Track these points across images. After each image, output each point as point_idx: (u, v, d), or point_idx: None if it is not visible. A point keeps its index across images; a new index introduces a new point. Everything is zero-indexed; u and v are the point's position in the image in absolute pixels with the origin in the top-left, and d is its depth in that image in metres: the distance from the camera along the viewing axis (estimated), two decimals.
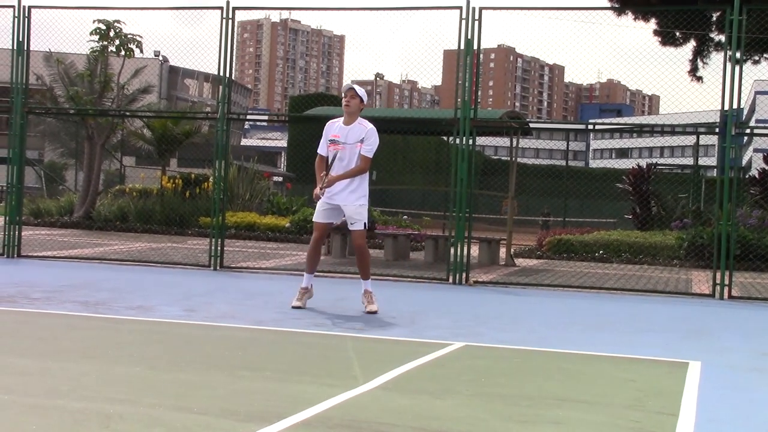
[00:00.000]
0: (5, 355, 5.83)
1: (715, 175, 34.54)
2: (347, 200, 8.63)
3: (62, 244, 16.10)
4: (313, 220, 8.90)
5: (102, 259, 13.64)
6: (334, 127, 8.65)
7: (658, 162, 32.98)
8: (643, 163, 25.56)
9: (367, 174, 8.77)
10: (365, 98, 8.70)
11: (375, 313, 8.59)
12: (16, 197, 13.68)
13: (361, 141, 8.54)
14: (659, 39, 23.07)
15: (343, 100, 8.62)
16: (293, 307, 8.66)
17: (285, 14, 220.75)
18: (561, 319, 9.34)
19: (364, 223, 8.72)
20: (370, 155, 8.62)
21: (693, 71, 23.59)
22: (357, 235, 8.79)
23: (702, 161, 31.88)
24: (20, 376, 5.15)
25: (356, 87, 8.63)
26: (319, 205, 8.77)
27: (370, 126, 8.65)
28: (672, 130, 18.32)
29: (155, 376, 5.34)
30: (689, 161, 38.41)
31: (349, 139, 8.54)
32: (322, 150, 8.73)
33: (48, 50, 21.12)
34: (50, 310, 7.93)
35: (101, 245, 16.56)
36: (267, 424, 4.20)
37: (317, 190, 8.61)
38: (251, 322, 7.78)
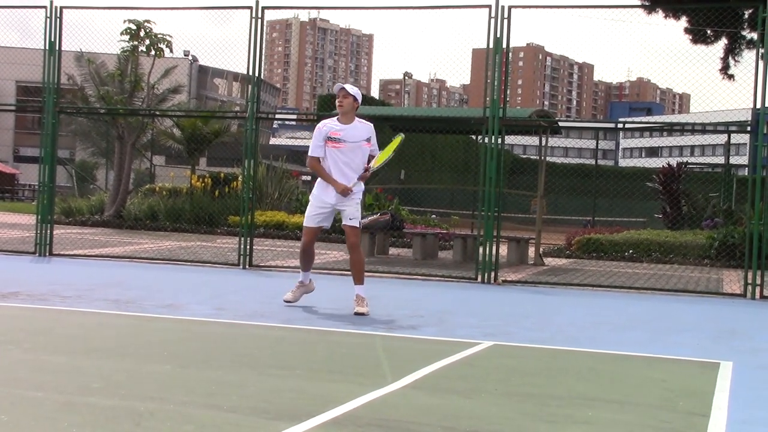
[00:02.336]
0: (38, 353, 5.89)
1: (746, 173, 34.21)
2: (345, 202, 8.52)
3: (93, 243, 16.23)
4: (305, 225, 8.69)
5: (132, 258, 13.74)
6: (332, 127, 8.49)
7: (689, 161, 32.69)
8: (674, 162, 25.37)
9: None
10: (359, 97, 8.59)
11: (365, 315, 8.30)
12: (48, 196, 13.81)
13: (368, 140, 8.51)
14: (690, 37, 22.86)
15: (336, 100, 8.58)
16: (285, 301, 8.66)
17: (314, 13, 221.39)
18: (590, 319, 9.29)
19: (359, 222, 8.68)
20: (378, 153, 8.64)
21: (724, 69, 23.35)
22: (354, 233, 8.61)
23: (733, 160, 31.56)
24: (53, 374, 5.20)
25: (347, 86, 8.58)
26: (313, 209, 8.60)
27: (369, 123, 8.66)
28: (703, 128, 18.24)
29: (185, 374, 5.38)
30: (720, 160, 38.04)
31: (352, 138, 8.44)
32: (317, 152, 8.51)
33: (79, 50, 21.29)
34: (82, 309, 8.00)
35: (131, 244, 16.68)
36: (297, 423, 4.21)
37: (346, 186, 8.40)
38: (280, 320, 7.80)
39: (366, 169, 8.53)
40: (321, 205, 8.56)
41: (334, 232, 20.26)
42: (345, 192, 8.41)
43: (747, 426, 4.73)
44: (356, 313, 8.30)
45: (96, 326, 7.25)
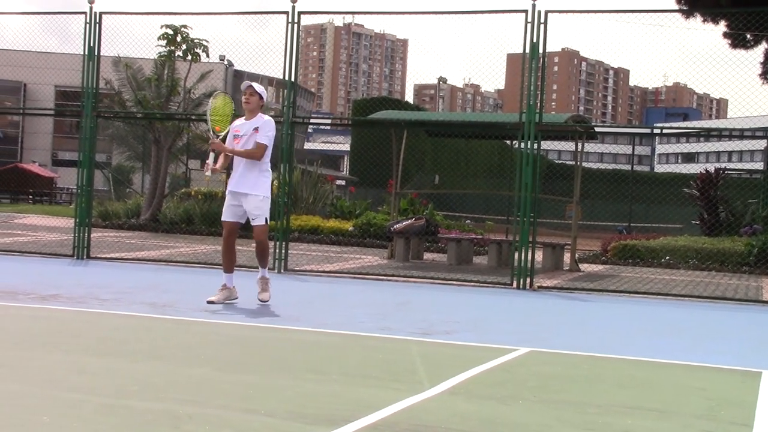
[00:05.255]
0: (77, 355, 5.94)
1: None
2: (250, 191, 8.76)
3: (130, 246, 16.36)
4: (222, 219, 9.03)
5: (168, 261, 13.82)
6: (237, 124, 8.90)
7: (727, 167, 32.36)
8: (711, 167, 25.09)
9: (268, 171, 8.91)
10: (264, 95, 8.94)
11: (266, 302, 8.75)
12: (86, 199, 13.93)
13: (256, 129, 8.74)
14: (729, 41, 22.62)
15: (243, 97, 8.88)
16: (208, 302, 8.71)
17: (348, 18, 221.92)
18: (628, 326, 9.21)
19: (266, 218, 8.85)
20: (266, 142, 8.76)
21: (764, 74, 23.07)
22: (258, 231, 8.88)
23: None
24: (91, 376, 5.23)
25: (255, 84, 8.90)
26: (226, 202, 8.95)
27: (268, 117, 8.93)
28: (741, 134, 17.99)
29: (222, 377, 5.39)
30: (759, 166, 37.61)
31: (246, 131, 8.78)
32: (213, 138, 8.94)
33: (117, 55, 21.49)
34: (119, 311, 8.06)
35: (167, 247, 16.79)
36: (334, 428, 4.20)
37: (208, 161, 8.82)
38: (316, 324, 7.81)
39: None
40: (229, 196, 8.92)
41: (369, 237, 20.30)
42: (207, 166, 8.84)
43: None
44: (259, 300, 8.79)
45: (133, 329, 7.29)
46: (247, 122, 8.84)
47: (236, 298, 8.95)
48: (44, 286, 9.66)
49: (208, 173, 8.92)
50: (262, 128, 8.74)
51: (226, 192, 8.97)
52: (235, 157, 8.83)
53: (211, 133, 8.89)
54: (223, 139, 8.90)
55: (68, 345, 6.37)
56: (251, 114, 8.84)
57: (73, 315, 7.83)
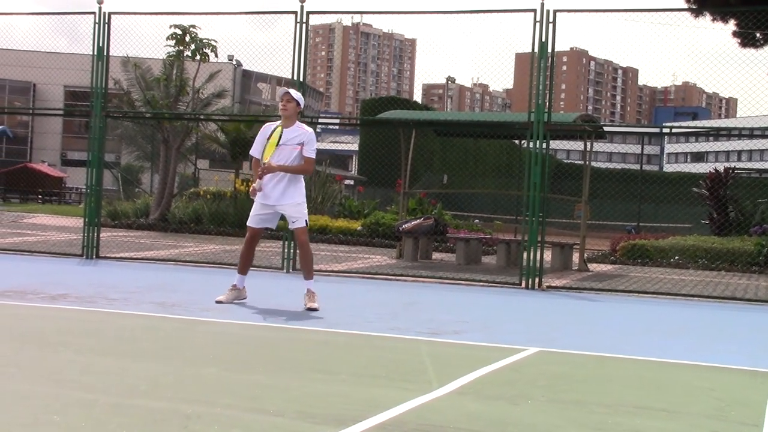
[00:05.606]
0: (86, 355, 5.95)
1: None
2: (282, 201, 8.69)
3: (138, 246, 16.39)
4: (248, 224, 8.91)
5: (177, 261, 13.84)
6: (272, 130, 8.71)
7: (736, 166, 32.24)
8: (720, 167, 25.02)
9: (302, 177, 8.82)
10: (302, 102, 8.80)
11: (317, 309, 8.55)
12: (95, 199, 13.96)
13: (301, 144, 8.62)
14: (738, 40, 22.54)
15: (280, 104, 8.72)
16: (216, 301, 8.69)
17: (357, 18, 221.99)
18: (637, 326, 9.19)
19: (305, 221, 8.76)
20: (314, 156, 8.73)
21: None
22: (300, 232, 8.78)
23: None
24: (100, 375, 5.25)
25: (292, 91, 8.73)
26: (254, 210, 8.82)
27: (310, 130, 8.80)
28: (750, 133, 17.92)
29: (230, 377, 5.40)
30: None
31: (288, 141, 8.62)
32: (256, 152, 8.79)
33: (125, 55, 21.53)
34: (128, 311, 8.07)
35: (176, 247, 16.82)
36: (343, 427, 4.20)
37: (254, 185, 8.71)
38: (324, 324, 7.81)
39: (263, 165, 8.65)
40: (259, 205, 8.77)
41: (378, 236, 20.30)
42: (253, 191, 8.71)
43: None
44: (307, 309, 8.55)
45: (142, 328, 7.31)
46: (286, 130, 8.65)
47: (245, 298, 8.95)
48: (53, 286, 9.68)
49: (255, 196, 8.81)
50: (308, 143, 8.63)
51: (257, 201, 8.80)
52: (253, 165, 8.72)
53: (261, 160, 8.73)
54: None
55: (77, 344, 6.39)
56: (288, 121, 8.66)
57: (82, 315, 7.85)
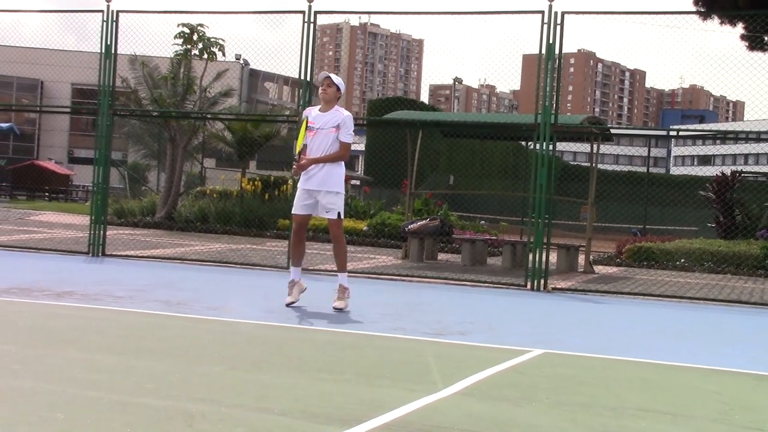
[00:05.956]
0: (91, 353, 5.96)
1: None
2: (321, 186, 8.49)
3: (144, 244, 16.42)
4: (293, 212, 8.75)
5: (183, 259, 13.86)
6: (311, 114, 8.54)
7: (743, 169, 32.18)
8: (727, 170, 24.98)
9: (342, 164, 8.60)
10: (342, 87, 8.60)
11: (341, 310, 8.46)
12: (102, 197, 13.99)
13: (337, 127, 8.43)
14: (746, 43, 22.52)
15: (320, 88, 8.57)
16: (287, 305, 8.60)
17: (364, 18, 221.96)
18: (642, 328, 9.18)
19: (339, 213, 8.54)
20: (349, 140, 8.53)
21: None
22: (333, 224, 8.58)
23: None
24: (107, 374, 5.26)
25: (332, 75, 8.53)
26: (298, 197, 8.63)
27: (347, 113, 8.57)
28: (757, 136, 17.88)
29: (236, 376, 5.40)
30: None
31: (323, 125, 8.43)
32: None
33: (133, 53, 21.56)
34: (134, 309, 8.09)
35: (182, 245, 16.84)
36: (347, 427, 4.21)
37: (296, 166, 8.51)
38: (330, 324, 7.81)
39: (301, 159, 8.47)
40: (301, 191, 8.59)
41: (383, 237, 20.30)
42: (295, 171, 8.53)
43: None
44: (334, 308, 8.49)
45: (148, 327, 7.32)
46: (324, 114, 8.46)
47: (305, 289, 8.84)
48: (59, 283, 9.71)
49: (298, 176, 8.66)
50: (344, 126, 8.41)
51: (299, 187, 8.61)
52: (309, 149, 8.45)
53: (296, 154, 8.57)
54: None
55: (82, 342, 6.40)
56: (327, 105, 8.48)
57: (88, 312, 7.86)
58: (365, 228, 21.13)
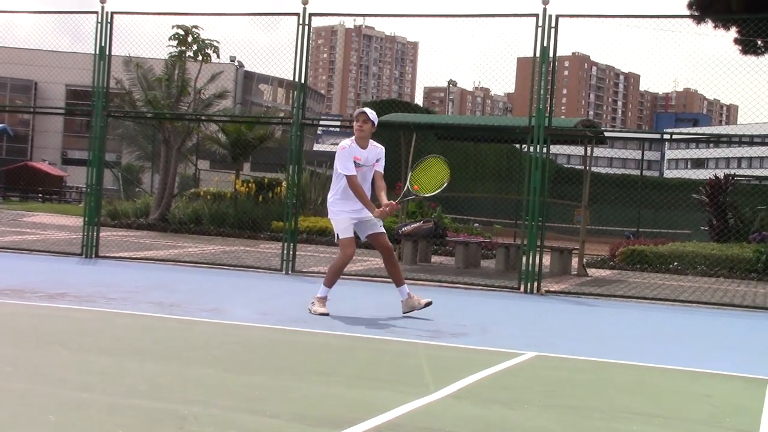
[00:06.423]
0: (86, 354, 5.96)
1: None
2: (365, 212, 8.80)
3: (138, 246, 16.40)
4: (347, 236, 8.79)
5: (176, 261, 13.84)
6: (354, 150, 8.77)
7: (736, 173, 32.28)
8: (720, 173, 25.03)
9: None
10: (376, 121, 8.94)
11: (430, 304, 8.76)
12: (95, 198, 13.97)
13: (377, 161, 8.90)
14: (740, 48, 22.58)
15: (356, 124, 8.80)
16: (323, 314, 8.51)
17: (359, 20, 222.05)
18: (634, 331, 9.20)
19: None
20: (382, 170, 8.99)
21: None
22: (387, 237, 8.92)
23: None
24: (100, 375, 5.25)
25: (368, 111, 8.86)
26: (346, 223, 8.76)
27: (381, 147, 9.03)
28: (751, 140, 17.91)
29: (228, 378, 5.41)
30: None
31: (369, 161, 8.83)
32: (353, 170, 8.72)
33: (127, 55, 21.54)
34: (127, 311, 8.08)
35: (176, 247, 16.83)
36: (339, 430, 4.21)
37: (382, 211, 8.68)
38: (323, 326, 7.81)
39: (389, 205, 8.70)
40: (352, 218, 8.75)
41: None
42: (384, 213, 8.70)
43: None
44: (428, 304, 8.73)
45: (141, 328, 7.32)
46: (365, 151, 8.79)
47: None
48: (52, 285, 9.70)
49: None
50: (382, 159, 8.93)
51: (350, 218, 8.76)
52: (355, 185, 8.73)
53: (409, 188, 8.98)
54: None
55: (75, 344, 6.40)
56: (365, 141, 8.81)
57: (81, 314, 7.86)
58: None
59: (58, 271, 11.64)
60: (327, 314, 8.47)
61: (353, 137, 8.79)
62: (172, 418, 4.29)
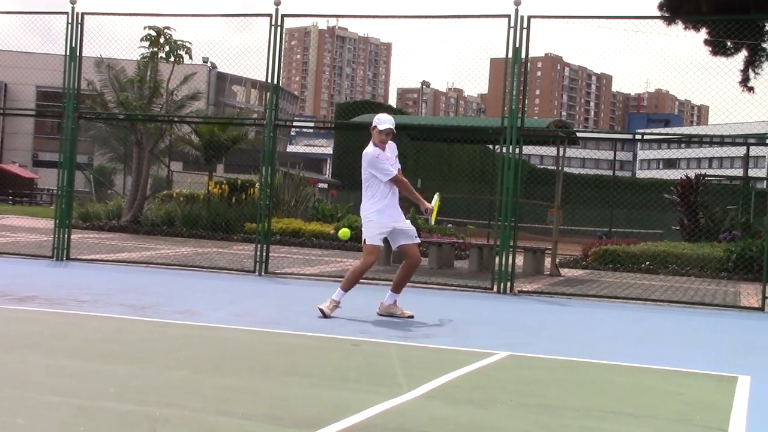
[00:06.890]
0: (55, 357, 5.91)
1: (765, 186, 33.92)
2: (400, 218, 9.07)
3: (110, 248, 16.29)
4: (372, 243, 8.98)
5: (149, 263, 13.76)
6: (383, 155, 8.96)
7: (707, 173, 32.54)
8: (692, 173, 25.23)
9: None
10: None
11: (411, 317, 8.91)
12: (67, 201, 13.87)
13: (396, 157, 9.16)
14: (710, 49, 22.77)
15: (382, 136, 8.94)
16: (327, 316, 8.60)
17: (332, 21, 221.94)
18: (607, 331, 9.25)
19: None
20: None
21: (744, 81, 23.23)
22: (417, 248, 9.16)
23: (752, 173, 31.38)
24: (70, 378, 5.21)
25: (393, 125, 9.04)
26: (378, 230, 8.92)
27: (393, 143, 9.19)
28: (721, 140, 18.07)
29: (200, 380, 5.38)
30: (739, 172, 37.91)
31: (392, 160, 9.07)
32: (394, 171, 8.98)
33: (99, 56, 21.38)
34: (99, 313, 8.03)
35: (148, 249, 16.74)
36: (311, 431, 4.20)
37: (430, 207, 9.24)
38: (296, 327, 7.80)
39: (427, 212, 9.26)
40: (384, 226, 8.93)
41: (351, 239, 20.27)
42: (429, 210, 9.19)
43: None
44: (409, 317, 8.87)
45: (112, 331, 7.27)
46: (387, 152, 8.99)
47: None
48: (22, 288, 9.61)
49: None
50: (397, 156, 9.17)
51: (385, 225, 8.92)
52: (391, 192, 9.02)
53: (432, 210, 9.29)
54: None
55: (45, 347, 6.34)
56: (384, 145, 9.01)
57: (51, 317, 7.79)
58: (332, 231, 21.08)
59: (28, 274, 11.54)
60: (326, 317, 8.52)
61: (373, 142, 8.97)
62: (143, 420, 4.26)
